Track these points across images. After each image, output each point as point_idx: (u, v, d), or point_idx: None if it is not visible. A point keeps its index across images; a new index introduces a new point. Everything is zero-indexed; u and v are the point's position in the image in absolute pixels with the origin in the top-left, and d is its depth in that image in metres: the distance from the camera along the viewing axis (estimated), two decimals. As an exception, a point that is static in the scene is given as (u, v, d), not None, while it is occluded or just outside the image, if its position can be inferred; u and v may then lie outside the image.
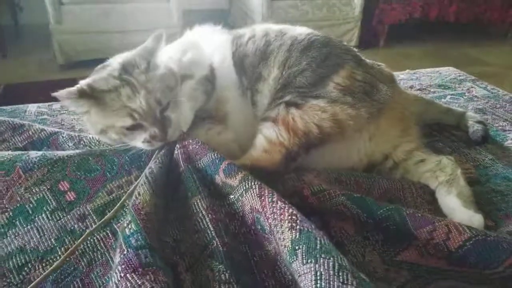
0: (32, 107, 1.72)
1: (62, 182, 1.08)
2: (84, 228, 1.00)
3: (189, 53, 1.33)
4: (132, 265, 0.80)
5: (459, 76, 2.14)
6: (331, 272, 0.73)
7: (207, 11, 4.50)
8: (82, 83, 1.12)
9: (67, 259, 0.95)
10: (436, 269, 0.93)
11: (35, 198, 1.05)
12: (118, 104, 1.09)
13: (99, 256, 0.96)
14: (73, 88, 1.10)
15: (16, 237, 0.98)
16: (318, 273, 0.73)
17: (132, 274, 0.79)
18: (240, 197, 0.99)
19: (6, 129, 1.33)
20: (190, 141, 1.14)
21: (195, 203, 1.00)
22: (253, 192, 0.96)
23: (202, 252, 0.92)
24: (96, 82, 1.12)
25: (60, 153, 1.15)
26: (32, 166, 1.09)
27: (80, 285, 0.92)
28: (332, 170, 1.19)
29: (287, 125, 1.16)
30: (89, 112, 1.14)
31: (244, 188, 0.98)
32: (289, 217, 0.85)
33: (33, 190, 1.06)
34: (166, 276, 0.82)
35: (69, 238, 0.99)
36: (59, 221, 1.02)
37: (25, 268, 0.94)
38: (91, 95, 1.09)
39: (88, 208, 1.04)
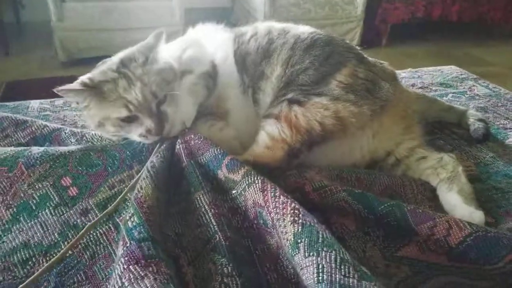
0: (34, 103, 1.72)
1: (64, 178, 1.08)
2: (87, 223, 1.01)
3: (190, 50, 1.34)
4: (135, 257, 0.81)
5: (461, 74, 2.14)
6: (333, 265, 0.73)
7: (209, 9, 4.51)
8: (83, 77, 1.15)
9: (70, 252, 0.95)
10: (436, 265, 0.93)
11: (38, 194, 1.05)
12: (115, 95, 1.12)
13: (102, 249, 0.97)
14: (75, 82, 1.13)
15: (21, 233, 0.99)
16: (320, 266, 0.74)
17: (135, 265, 0.79)
18: (243, 191, 0.99)
19: (9, 124, 1.34)
20: (192, 136, 1.15)
21: (198, 198, 1.01)
22: (256, 186, 0.96)
23: (204, 246, 0.92)
24: (96, 75, 1.15)
25: (62, 148, 1.16)
26: (35, 162, 1.10)
27: (84, 278, 0.92)
28: (333, 167, 1.19)
29: (290, 122, 1.17)
30: (88, 106, 1.16)
31: (247, 182, 0.98)
32: (292, 211, 0.86)
33: (36, 186, 1.06)
34: (168, 268, 0.82)
35: (72, 232, 1.00)
36: (62, 216, 1.02)
37: (29, 262, 0.95)
38: (92, 87, 1.12)
39: (90, 203, 1.05)
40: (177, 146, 1.15)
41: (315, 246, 0.77)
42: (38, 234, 0.99)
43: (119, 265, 0.81)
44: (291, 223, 0.84)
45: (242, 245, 0.94)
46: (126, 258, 0.81)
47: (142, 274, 0.77)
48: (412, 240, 0.96)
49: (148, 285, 0.75)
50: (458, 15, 4.54)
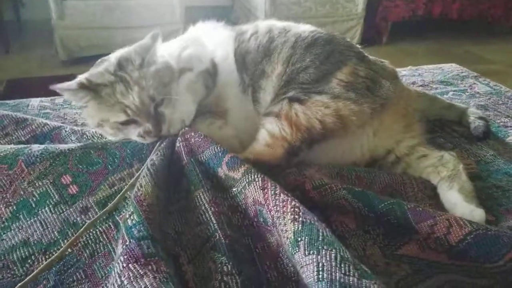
0: (34, 101, 1.72)
1: (64, 176, 1.08)
2: (86, 221, 1.01)
3: (189, 48, 1.34)
4: (135, 255, 0.81)
5: (462, 72, 2.14)
6: (333, 264, 0.73)
7: (210, 8, 4.50)
8: (81, 77, 1.15)
9: (70, 250, 0.95)
10: (436, 263, 0.93)
11: (38, 192, 1.05)
12: (113, 100, 1.12)
13: (102, 248, 0.97)
14: (73, 81, 1.13)
15: (20, 230, 0.99)
16: (320, 264, 0.74)
17: (134, 264, 0.79)
18: (243, 189, 0.99)
19: (9, 123, 1.34)
20: (193, 134, 1.15)
21: (198, 196, 1.01)
22: (256, 184, 0.96)
23: (204, 244, 0.93)
24: (93, 76, 1.15)
25: (62, 146, 1.16)
26: (35, 159, 1.10)
27: (83, 276, 0.93)
28: (333, 165, 1.19)
29: (290, 120, 1.17)
30: (86, 106, 1.17)
31: (247, 180, 0.98)
32: (292, 209, 0.86)
33: (36, 184, 1.06)
34: (168, 266, 0.82)
35: (72, 230, 1.00)
36: (62, 214, 1.02)
37: (29, 261, 0.95)
38: (90, 88, 1.12)
39: (90, 201, 1.05)
40: (177, 144, 1.15)
41: (315, 244, 0.77)
42: (38, 232, 0.99)
43: (118, 263, 0.81)
44: (291, 221, 0.84)
45: (242, 243, 0.94)
46: (125, 257, 0.81)
47: (142, 273, 0.77)
48: (412, 239, 0.96)
49: (147, 284, 0.75)
50: (459, 13, 4.54)
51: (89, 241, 0.98)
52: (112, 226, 1.00)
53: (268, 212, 0.91)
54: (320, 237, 0.79)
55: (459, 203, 1.10)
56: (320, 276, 0.72)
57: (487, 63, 4.12)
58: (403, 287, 0.89)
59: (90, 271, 0.93)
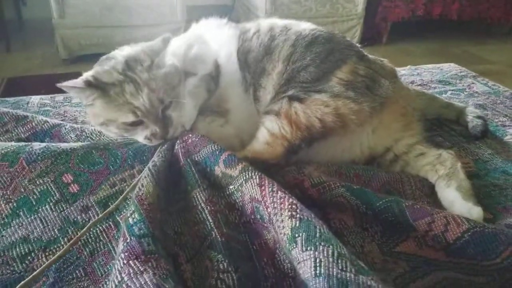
0: (35, 99, 1.72)
1: (65, 175, 1.09)
2: (87, 220, 1.02)
3: (194, 48, 1.33)
4: (135, 252, 0.81)
5: (460, 72, 2.14)
6: (331, 260, 0.74)
7: (210, 7, 4.49)
8: (87, 75, 1.13)
9: (70, 249, 0.96)
10: (434, 260, 0.93)
11: (39, 190, 1.06)
12: (122, 100, 1.11)
13: (102, 246, 0.98)
14: (79, 79, 1.11)
15: (20, 227, 1.00)
16: (318, 260, 0.74)
17: (135, 260, 0.80)
18: (240, 187, 1.00)
19: (9, 120, 1.34)
20: (190, 134, 1.15)
21: (195, 196, 1.01)
22: (253, 182, 0.96)
23: (202, 244, 0.93)
24: (101, 74, 1.13)
25: (64, 145, 1.16)
26: (36, 157, 1.10)
27: (83, 274, 0.93)
28: (332, 163, 1.20)
29: (290, 118, 1.17)
30: (93, 104, 1.15)
31: (244, 178, 0.99)
32: (289, 206, 0.86)
33: (37, 182, 1.06)
34: (168, 264, 0.83)
35: (72, 229, 1.00)
36: (62, 213, 1.03)
37: (28, 257, 0.95)
38: (97, 86, 1.11)
39: (91, 200, 1.05)
40: (176, 147, 1.15)
41: (313, 240, 0.78)
42: (38, 229, 1.00)
43: (119, 260, 0.81)
44: (289, 218, 0.84)
45: (239, 240, 0.95)
46: (126, 254, 0.81)
47: (142, 269, 0.78)
48: (410, 236, 0.96)
49: (147, 280, 0.76)
50: (458, 13, 4.55)
51: (89, 240, 0.98)
52: (112, 225, 1.01)
53: (265, 209, 0.91)
54: (318, 234, 0.79)
55: (457, 201, 1.10)
56: (318, 271, 0.73)
57: (486, 64, 4.12)
58: (401, 284, 0.89)
59: (90, 269, 0.94)
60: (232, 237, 0.94)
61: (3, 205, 1.03)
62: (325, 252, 0.75)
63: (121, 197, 1.05)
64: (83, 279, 0.92)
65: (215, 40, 1.39)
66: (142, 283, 0.75)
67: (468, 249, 0.91)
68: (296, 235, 0.80)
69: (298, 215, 0.84)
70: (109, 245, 0.98)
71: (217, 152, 1.07)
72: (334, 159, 1.25)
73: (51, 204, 1.04)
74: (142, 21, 3.77)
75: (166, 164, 1.10)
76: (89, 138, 1.31)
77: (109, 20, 3.77)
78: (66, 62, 3.83)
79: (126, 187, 1.08)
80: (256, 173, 0.98)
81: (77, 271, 0.93)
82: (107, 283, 0.90)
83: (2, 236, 0.98)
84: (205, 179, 1.06)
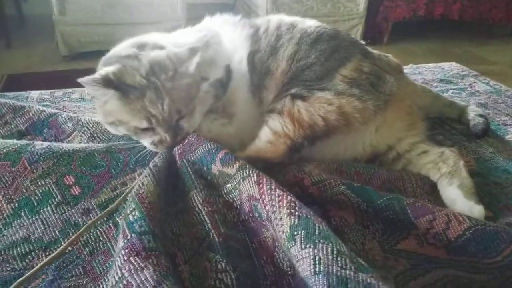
0: (34, 94, 1.72)
1: (67, 176, 1.09)
2: (88, 222, 1.01)
3: (210, 50, 1.27)
4: (136, 249, 0.81)
5: (462, 71, 2.14)
6: (330, 257, 0.74)
7: (211, 5, 4.49)
8: (108, 71, 1.08)
9: (70, 249, 0.96)
10: (435, 258, 0.93)
11: (41, 191, 1.06)
12: (140, 105, 1.08)
13: (101, 246, 0.98)
14: (98, 75, 1.07)
15: (21, 228, 1.00)
16: (317, 258, 0.74)
17: (135, 257, 0.80)
18: (237, 185, 0.99)
19: (7, 111, 1.34)
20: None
21: (192, 198, 1.01)
22: (251, 180, 0.96)
23: (200, 245, 0.93)
24: (123, 73, 1.08)
25: (66, 146, 1.16)
26: (38, 158, 1.10)
27: (82, 272, 0.93)
28: (333, 161, 1.19)
29: (293, 117, 1.16)
30: (106, 102, 1.11)
31: (242, 176, 0.98)
32: (288, 204, 0.86)
33: (39, 183, 1.07)
34: (167, 262, 0.83)
35: (73, 230, 1.00)
36: (63, 215, 1.03)
37: (29, 256, 0.96)
38: (116, 86, 1.07)
39: (92, 203, 1.06)
40: (174, 148, 1.15)
41: (312, 238, 0.78)
42: (39, 230, 1.00)
43: (119, 256, 0.81)
44: (288, 216, 0.84)
45: (237, 239, 0.95)
46: (126, 250, 0.81)
47: (142, 266, 0.78)
48: (411, 234, 0.96)
49: (147, 276, 0.76)
50: (460, 13, 4.54)
51: (89, 240, 0.98)
52: (112, 226, 1.01)
53: (263, 207, 0.91)
54: (317, 231, 0.79)
55: (458, 199, 1.10)
56: (317, 269, 0.73)
57: (487, 64, 4.12)
58: (401, 281, 0.89)
59: (89, 268, 0.94)
60: (230, 236, 0.93)
61: (4, 205, 1.03)
62: (324, 249, 0.75)
63: (121, 196, 1.05)
64: (82, 276, 0.92)
65: (230, 41, 1.33)
66: (143, 279, 0.75)
67: (470, 247, 0.91)
68: (295, 233, 0.80)
69: (296, 213, 0.84)
70: (108, 244, 0.98)
71: (214, 151, 1.07)
72: (337, 157, 1.25)
73: (52, 206, 1.04)
74: (143, 18, 3.77)
75: (166, 165, 1.10)
76: (85, 128, 1.30)
77: (109, 18, 3.77)
78: (66, 59, 3.82)
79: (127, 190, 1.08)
80: (253, 171, 0.97)
81: (76, 269, 0.93)
82: (106, 280, 0.90)
83: (3, 235, 0.98)
84: (202, 179, 1.06)
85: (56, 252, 0.94)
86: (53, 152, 1.12)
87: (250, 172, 0.98)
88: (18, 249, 0.96)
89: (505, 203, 1.14)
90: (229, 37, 1.34)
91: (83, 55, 3.73)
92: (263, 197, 0.91)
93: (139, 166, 1.14)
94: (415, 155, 1.26)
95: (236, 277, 0.84)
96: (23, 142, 1.16)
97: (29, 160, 1.09)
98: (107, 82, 1.06)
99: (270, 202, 0.89)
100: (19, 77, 3.46)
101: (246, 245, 0.95)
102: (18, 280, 0.89)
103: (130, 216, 0.90)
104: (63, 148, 1.14)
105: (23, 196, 1.04)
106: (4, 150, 1.11)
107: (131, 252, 0.81)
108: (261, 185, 0.93)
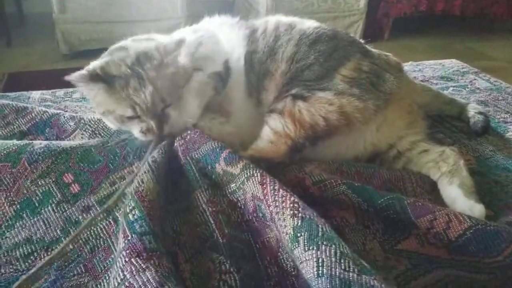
0: (35, 94, 1.72)
1: (66, 174, 1.09)
2: (88, 219, 1.01)
3: (204, 46, 1.30)
4: (137, 250, 0.81)
5: (462, 68, 2.14)
6: (333, 259, 0.74)
7: (211, 2, 4.48)
8: (95, 66, 1.13)
9: (71, 247, 0.96)
10: (436, 258, 0.93)
11: (41, 191, 1.06)
12: (124, 94, 1.10)
13: (102, 243, 0.98)
14: (85, 71, 1.11)
15: (23, 229, 1.01)
16: (320, 260, 0.74)
17: (137, 258, 0.80)
18: (241, 185, 1.00)
19: (10, 112, 1.35)
20: (189, 131, 1.15)
21: (196, 197, 1.02)
22: (255, 180, 0.96)
23: (203, 245, 0.93)
24: (109, 66, 1.12)
25: (64, 143, 1.16)
26: (37, 157, 1.11)
27: (83, 270, 0.93)
28: (333, 160, 1.20)
29: (294, 117, 1.17)
30: (96, 95, 1.15)
31: (246, 176, 0.99)
32: (291, 205, 0.86)
33: (39, 183, 1.07)
34: (169, 262, 0.83)
35: (74, 229, 1.01)
36: (64, 213, 1.03)
37: (31, 257, 0.96)
38: (103, 79, 1.11)
39: (92, 199, 1.06)
40: (175, 143, 1.15)
41: (315, 240, 0.78)
42: (41, 230, 1.01)
43: (120, 258, 0.81)
44: (291, 217, 0.84)
45: (241, 239, 0.95)
46: (127, 251, 0.81)
47: (144, 267, 0.78)
48: (412, 233, 0.96)
49: (149, 277, 0.76)
50: (461, 9, 4.52)
51: (90, 237, 0.99)
52: (112, 222, 1.01)
53: (267, 208, 0.91)
54: (320, 233, 0.79)
55: (459, 198, 1.10)
56: (320, 271, 0.73)
57: (489, 60, 4.11)
58: (402, 281, 0.89)
59: (91, 265, 0.94)
60: (235, 237, 0.94)
61: (7, 207, 1.03)
62: (327, 251, 0.75)
63: (116, 194, 1.05)
64: (83, 275, 0.93)
65: (228, 41, 1.35)
66: (145, 280, 0.75)
67: (470, 246, 0.91)
68: (298, 234, 0.80)
69: (300, 214, 0.84)
70: (109, 240, 0.98)
71: (218, 150, 1.07)
72: (338, 156, 1.26)
73: (53, 205, 1.04)
74: (143, 16, 3.76)
75: (166, 160, 1.10)
76: (87, 126, 1.31)
77: (109, 15, 3.76)
78: (66, 57, 3.82)
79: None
80: (257, 171, 0.98)
81: (78, 268, 0.93)
82: (107, 277, 0.91)
83: (6, 237, 0.99)
84: (206, 178, 1.06)
85: (57, 250, 0.95)
86: (51, 151, 1.12)
87: (254, 172, 0.98)
88: (21, 250, 0.97)
89: (505, 202, 1.14)
90: (227, 38, 1.36)
91: (84, 53, 3.73)
92: (267, 197, 0.91)
93: (137, 159, 1.14)
94: (416, 154, 1.26)
95: (240, 279, 0.85)
96: (22, 142, 1.16)
97: (29, 160, 1.10)
98: (94, 77, 1.10)
99: (274, 203, 0.89)
100: (20, 76, 3.46)
101: (250, 246, 0.95)
102: (18, 282, 0.89)
103: (130, 215, 0.89)
104: (61, 146, 1.14)
105: (25, 198, 1.05)
106: (5, 152, 1.11)
107: (132, 253, 0.81)
108: (264, 185, 0.94)
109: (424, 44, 4.59)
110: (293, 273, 0.87)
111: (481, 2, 4.55)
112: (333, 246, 0.76)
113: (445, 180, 1.16)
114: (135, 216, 0.89)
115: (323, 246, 0.76)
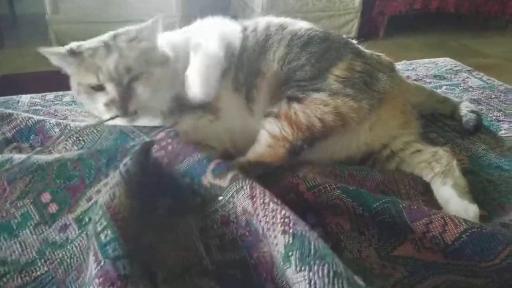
0: (25, 98, 1.69)
1: (43, 194, 1.05)
2: (65, 239, 0.98)
3: (195, 39, 1.28)
4: (111, 279, 0.76)
5: (455, 66, 2.13)
6: (326, 280, 0.71)
7: (206, 1, 4.46)
8: (73, 44, 1.19)
9: (46, 269, 0.94)
10: (432, 263, 0.92)
11: (20, 213, 1.02)
12: (91, 62, 1.14)
13: (75, 261, 0.94)
14: (63, 50, 1.18)
15: None
16: (312, 282, 0.71)
17: (111, 287, 0.76)
18: (231, 198, 0.96)
19: None
20: (169, 140, 1.10)
21: (182, 217, 0.99)
22: (244, 193, 0.93)
23: (187, 270, 0.90)
24: (85, 43, 1.19)
25: (41, 159, 1.12)
26: (15, 175, 1.07)
27: None
28: (326, 163, 1.19)
29: (290, 119, 1.16)
30: (71, 72, 1.19)
31: (235, 189, 0.95)
32: (282, 220, 0.83)
33: (18, 205, 1.03)
34: (146, 286, 0.79)
35: (50, 250, 0.97)
36: (41, 235, 0.99)
37: (4, 279, 0.93)
38: (78, 54, 1.16)
39: (69, 218, 1.01)
40: (155, 154, 1.09)
41: (307, 260, 0.75)
42: (16, 252, 0.97)
43: (93, 286, 0.77)
44: (282, 234, 0.81)
45: (234, 261, 0.92)
46: (101, 280, 0.76)
47: None
48: (408, 238, 0.95)
49: None
50: (455, 7, 4.53)
51: (65, 257, 0.95)
52: (84, 237, 0.97)
53: (258, 223, 0.88)
54: (312, 251, 0.76)
55: (452, 198, 1.09)
56: None
57: (483, 57, 4.12)
58: (399, 290, 0.88)
59: (64, 287, 0.91)
60: (226, 262, 0.92)
61: None
62: (320, 272, 0.72)
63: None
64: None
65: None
66: None
67: (466, 250, 0.90)
68: (290, 253, 0.77)
69: (291, 230, 0.80)
70: (81, 257, 0.94)
71: (205, 161, 1.02)
72: (333, 156, 1.25)
73: (31, 227, 1.00)
74: (137, 16, 3.70)
75: (139, 169, 1.04)
76: (72, 132, 1.27)
77: (103, 15, 3.74)
78: (60, 58, 3.79)
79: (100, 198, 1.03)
80: (247, 183, 0.94)
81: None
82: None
83: None
84: (195, 195, 1.03)
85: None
86: (27, 168, 1.08)
87: (243, 184, 0.94)
88: (-6, 271, 0.94)
89: (498, 201, 1.14)
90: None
91: (77, 54, 3.70)
92: (257, 212, 0.88)
93: (112, 169, 1.08)
94: (409, 154, 1.26)
95: None
96: (1, 157, 1.13)
97: (8, 179, 1.07)
98: (70, 52, 1.16)
99: (265, 218, 0.86)
100: (12, 78, 3.43)
101: (244, 266, 0.91)
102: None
103: (102, 236, 0.84)
104: (37, 162, 1.10)
105: (3, 221, 1.01)
106: None
107: (105, 282, 0.76)
108: (254, 199, 0.90)
109: (419, 42, 4.60)
110: None
111: (475, 0, 4.55)
112: (326, 265, 0.73)
113: (439, 181, 1.16)
114: (108, 238, 0.83)
115: (316, 266, 0.73)
